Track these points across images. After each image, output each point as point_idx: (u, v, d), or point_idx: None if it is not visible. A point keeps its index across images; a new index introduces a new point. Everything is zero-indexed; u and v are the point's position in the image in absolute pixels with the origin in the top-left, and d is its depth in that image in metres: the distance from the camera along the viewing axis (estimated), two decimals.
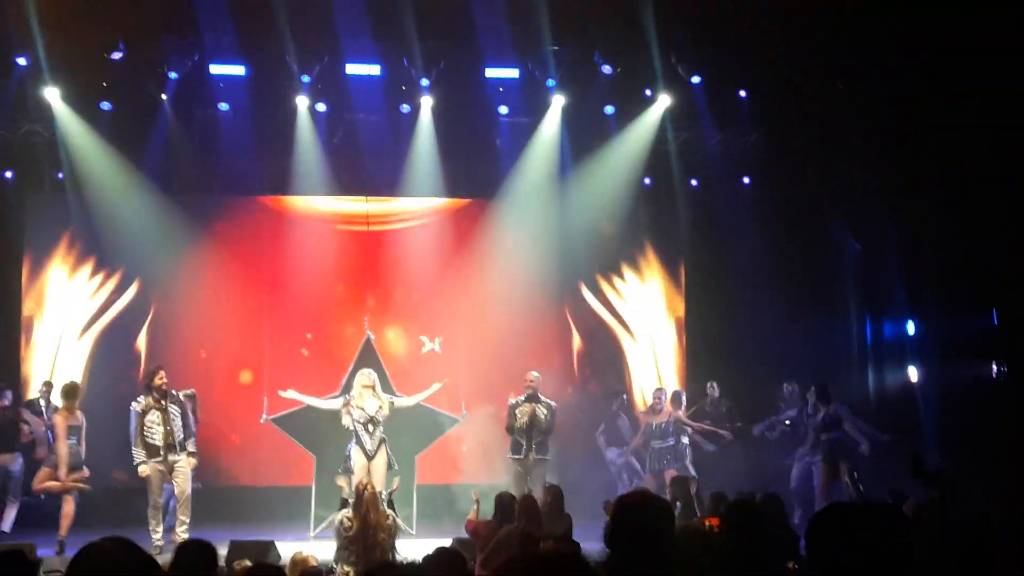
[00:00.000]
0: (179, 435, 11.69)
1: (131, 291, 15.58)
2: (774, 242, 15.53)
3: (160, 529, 11.56)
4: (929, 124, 13.41)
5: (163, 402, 11.68)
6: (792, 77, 14.46)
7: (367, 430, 12.08)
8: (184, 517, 11.63)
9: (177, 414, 11.73)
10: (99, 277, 15.49)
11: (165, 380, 11.74)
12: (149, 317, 15.60)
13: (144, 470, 11.61)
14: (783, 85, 14.74)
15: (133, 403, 11.93)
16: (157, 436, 11.50)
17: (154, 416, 11.57)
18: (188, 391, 12.32)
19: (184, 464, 11.73)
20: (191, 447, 11.86)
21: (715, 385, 15.19)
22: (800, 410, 14.11)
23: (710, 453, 14.57)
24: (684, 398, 14.54)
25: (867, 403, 15.21)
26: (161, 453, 11.51)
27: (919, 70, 13.14)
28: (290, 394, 12.78)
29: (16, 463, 12.85)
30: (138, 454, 11.61)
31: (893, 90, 13.65)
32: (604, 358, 16.35)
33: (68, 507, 11.89)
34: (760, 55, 14.30)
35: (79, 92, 14.82)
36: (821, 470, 13.18)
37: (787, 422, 14.44)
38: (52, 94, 14.68)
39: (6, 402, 12.89)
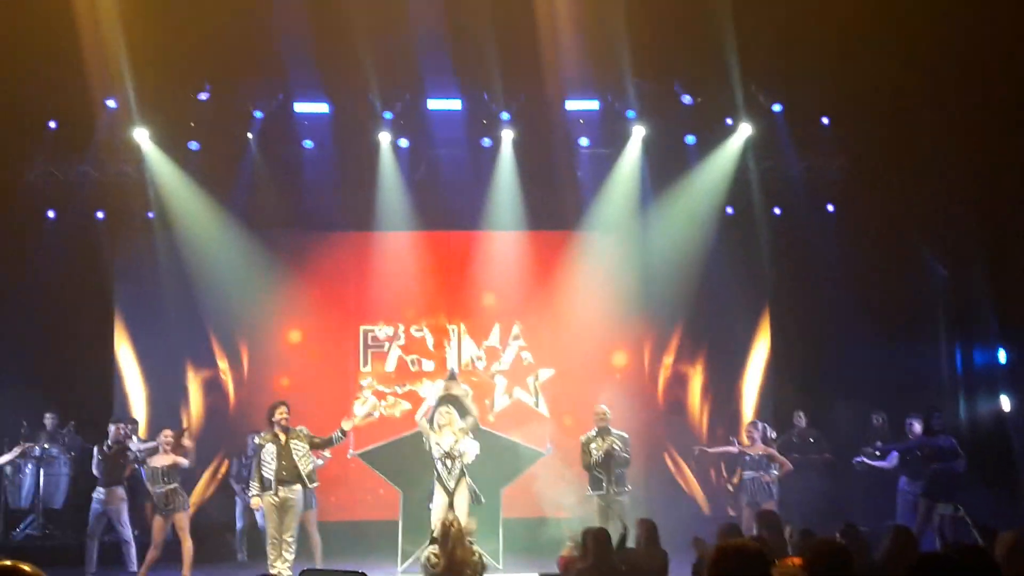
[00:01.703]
0: (302, 470, 11.69)
1: (217, 326, 15.83)
2: (860, 269, 15.34)
3: (278, 564, 11.54)
4: (1018, 147, 13.17)
5: (282, 438, 11.72)
6: (875, 102, 14.28)
7: (445, 466, 12.08)
8: (287, 554, 11.63)
9: (301, 450, 11.74)
10: (187, 314, 15.71)
11: (285, 416, 11.77)
12: (237, 352, 15.84)
13: (256, 502, 11.70)
14: (866, 110, 14.56)
15: (256, 437, 12.02)
16: (270, 470, 11.56)
17: (270, 450, 11.64)
18: (302, 429, 12.31)
19: (296, 500, 11.71)
20: (309, 482, 11.84)
21: (802, 415, 15.00)
22: (903, 440, 13.78)
23: (798, 485, 14.36)
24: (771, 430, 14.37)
25: (958, 433, 14.90)
26: (273, 487, 11.56)
27: (1006, 93, 12.93)
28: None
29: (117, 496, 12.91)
30: (253, 487, 11.69)
31: (980, 113, 13.44)
32: (688, 390, 16.21)
33: (186, 544, 12.16)
34: (842, 81, 14.15)
35: (167, 132, 15.16)
36: (921, 504, 12.91)
37: (877, 452, 14.13)
38: (141, 135, 15.03)
39: (121, 437, 12.96)
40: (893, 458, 13.70)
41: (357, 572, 2.80)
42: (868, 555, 8.67)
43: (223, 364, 15.89)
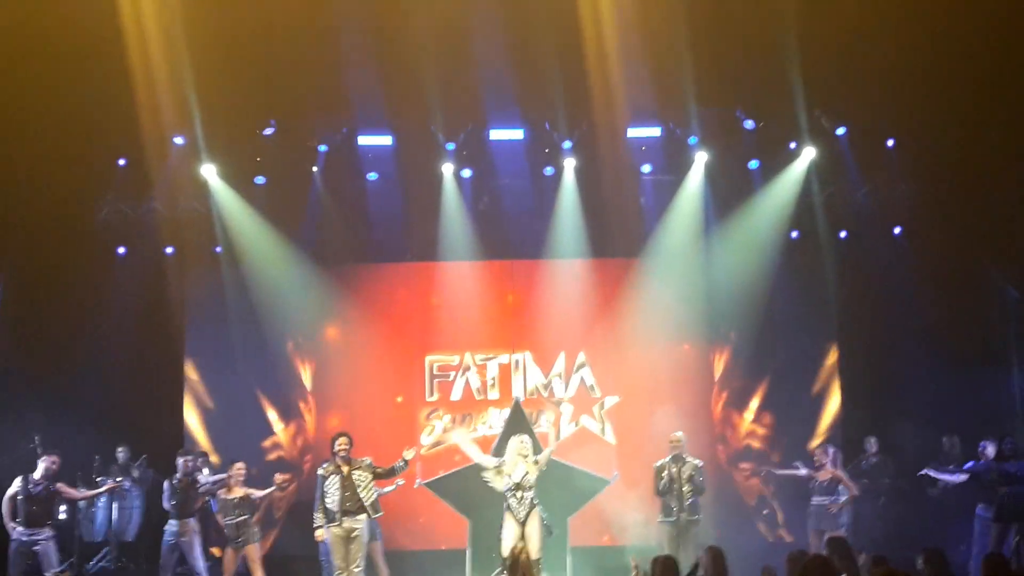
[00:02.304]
0: (366, 500, 11.72)
1: (285, 358, 15.99)
2: (929, 293, 15.14)
3: None
4: None
5: (344, 469, 11.77)
6: (941, 122, 14.14)
7: (515, 496, 12.02)
8: None
9: (364, 480, 11.79)
10: (257, 347, 15.87)
11: (346, 447, 11.80)
12: (304, 383, 15.99)
13: (320, 534, 11.72)
14: (932, 131, 14.42)
15: (319, 468, 12.12)
16: (334, 502, 11.61)
17: (333, 481, 11.69)
18: (366, 460, 12.31)
19: (361, 531, 11.73)
20: (373, 512, 11.85)
21: (873, 441, 14.82)
22: (977, 463, 13.55)
23: (869, 511, 14.18)
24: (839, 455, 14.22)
25: None
26: (337, 518, 11.59)
27: None
28: (465, 444, 12.80)
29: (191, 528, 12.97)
30: (317, 518, 11.74)
31: None
32: (755, 416, 16.07)
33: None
34: (906, 102, 14.03)
35: (234, 168, 15.41)
36: (993, 530, 12.69)
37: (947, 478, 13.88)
38: (209, 171, 15.27)
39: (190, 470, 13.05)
40: (960, 475, 13.46)
41: None
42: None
43: (290, 396, 16.00)
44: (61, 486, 12.36)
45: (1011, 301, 15.60)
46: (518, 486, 12.01)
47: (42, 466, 12.16)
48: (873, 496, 14.39)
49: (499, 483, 12.14)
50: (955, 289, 15.29)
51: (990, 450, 13.19)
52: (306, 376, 16.06)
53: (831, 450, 13.95)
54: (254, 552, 12.31)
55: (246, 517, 12.27)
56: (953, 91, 13.29)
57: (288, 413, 16.00)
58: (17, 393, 14.96)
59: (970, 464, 13.41)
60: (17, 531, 11.97)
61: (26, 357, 15.07)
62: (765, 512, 15.62)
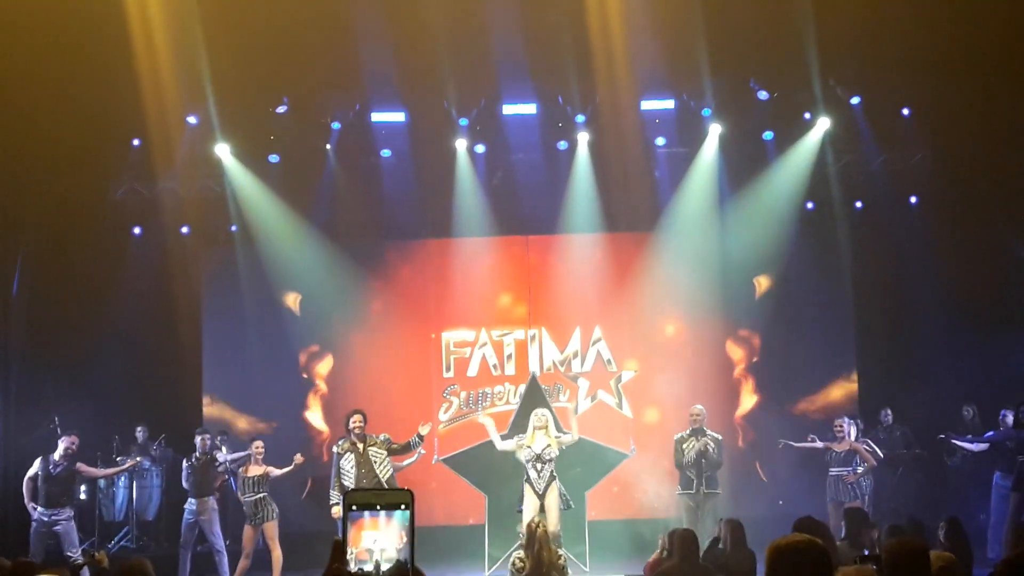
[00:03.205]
0: (382, 476, 11.78)
1: (300, 336, 16.05)
2: (947, 261, 15.06)
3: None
4: None
5: (359, 446, 11.82)
6: (956, 90, 14.03)
7: (535, 469, 12.05)
8: None
9: (380, 458, 11.83)
10: (273, 323, 15.93)
11: (360, 425, 11.86)
12: (319, 361, 16.03)
13: (336, 511, 11.75)
14: (947, 99, 14.32)
15: (334, 446, 12.16)
16: (350, 479, 11.66)
17: (349, 459, 11.74)
18: (381, 436, 12.37)
19: None
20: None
21: (889, 412, 14.81)
22: (997, 431, 13.51)
23: (887, 481, 14.17)
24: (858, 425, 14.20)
25: None
26: None
27: None
28: (486, 422, 12.82)
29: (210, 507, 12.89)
30: (333, 495, 11.80)
31: None
32: (773, 386, 16.04)
33: (276, 553, 12.36)
34: (921, 71, 13.93)
35: (248, 147, 15.41)
36: (1012, 499, 12.66)
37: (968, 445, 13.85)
38: (222, 150, 15.28)
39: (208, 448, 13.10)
40: (979, 443, 13.44)
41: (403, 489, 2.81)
42: (969, 551, 8.58)
43: (306, 373, 16.05)
44: (81, 466, 12.44)
45: None
46: (538, 458, 12.04)
47: (62, 446, 12.23)
48: (891, 467, 14.38)
49: (521, 454, 12.17)
50: (972, 257, 15.20)
51: (1009, 419, 13.17)
52: (322, 353, 16.08)
53: (848, 421, 13.93)
54: (272, 529, 12.36)
55: (264, 496, 12.33)
56: (968, 58, 13.18)
57: (303, 390, 16.03)
58: (35, 374, 15.07)
59: (990, 433, 13.39)
60: (38, 512, 12.05)
61: (44, 338, 15.17)
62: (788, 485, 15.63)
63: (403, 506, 3.04)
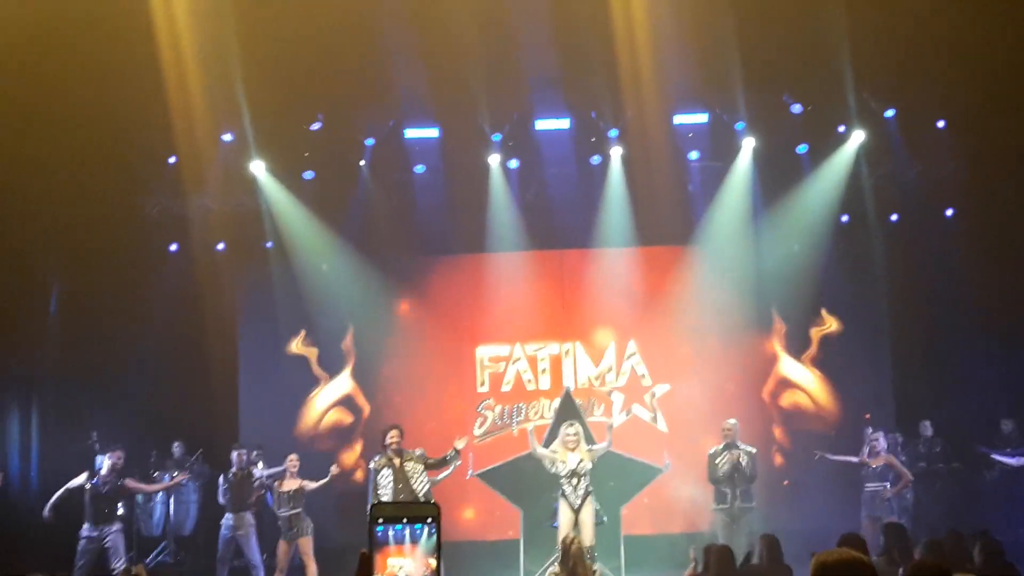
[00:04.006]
0: (419, 491, 11.78)
1: (336, 352, 16.11)
2: (983, 273, 14.95)
3: None
4: None
5: (396, 461, 11.85)
6: (990, 102, 13.94)
7: (571, 483, 12.05)
8: None
9: (416, 472, 11.86)
10: (309, 342, 16.03)
11: (396, 440, 11.87)
12: (355, 376, 16.11)
13: None
14: (981, 111, 14.23)
15: (371, 462, 12.19)
16: (387, 494, 11.67)
17: (386, 474, 11.76)
18: (418, 451, 12.38)
19: None
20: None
21: (928, 424, 14.70)
22: None
23: (926, 496, 14.06)
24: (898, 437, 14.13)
25: None
26: None
27: None
28: (527, 427, 12.81)
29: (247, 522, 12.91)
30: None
31: None
32: (808, 401, 15.97)
33: (311, 568, 12.39)
34: (955, 82, 13.85)
35: (282, 164, 15.50)
36: None
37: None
38: (257, 167, 15.38)
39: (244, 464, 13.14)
40: (1019, 457, 13.33)
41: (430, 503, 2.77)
42: (1006, 567, 8.47)
43: (342, 389, 16.10)
44: (129, 481, 12.49)
45: None
46: (573, 473, 12.03)
47: (108, 462, 12.27)
48: (929, 481, 14.26)
49: (557, 469, 12.17)
50: (1009, 269, 15.08)
51: None
52: (358, 369, 16.14)
53: (884, 436, 13.84)
54: (307, 545, 12.40)
55: (299, 511, 12.37)
56: (1002, 70, 13.10)
57: (340, 406, 16.08)
58: (71, 391, 15.18)
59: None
60: (86, 528, 12.04)
61: (81, 356, 15.26)
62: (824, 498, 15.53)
63: (430, 520, 3.03)
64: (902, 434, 14.58)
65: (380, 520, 3.00)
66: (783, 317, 16.00)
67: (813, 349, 16.14)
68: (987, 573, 8.09)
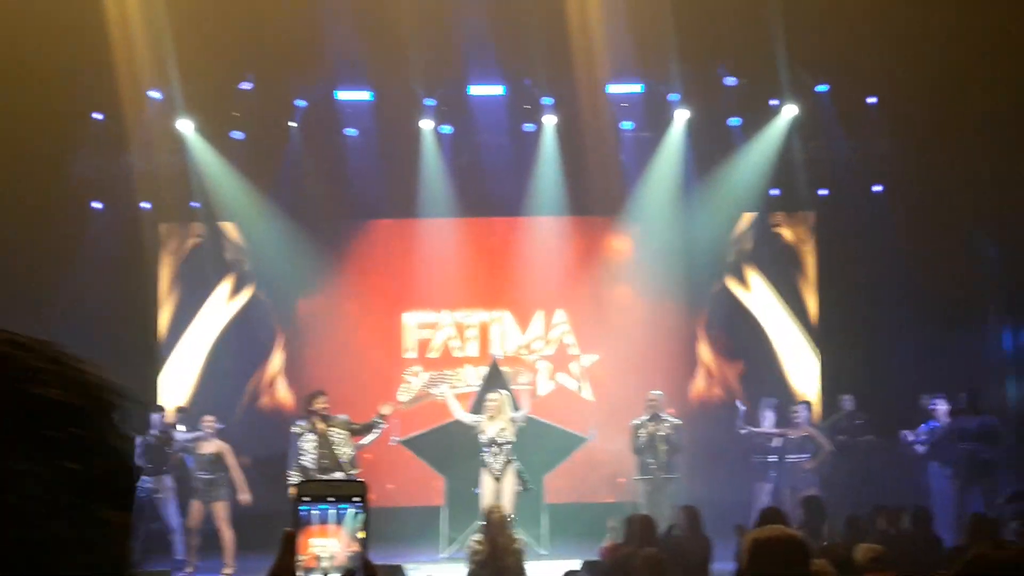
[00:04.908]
0: (343, 458, 11.66)
1: (263, 314, 15.96)
2: (910, 250, 15.12)
3: None
4: None
5: (320, 426, 11.71)
6: (922, 80, 14.04)
7: (492, 452, 12.06)
8: None
9: (342, 439, 11.72)
10: (234, 301, 15.86)
11: (325, 405, 11.74)
12: (280, 340, 15.95)
13: (295, 491, 11.61)
14: (913, 89, 14.32)
15: (293, 426, 12.06)
16: (310, 460, 11.55)
17: (310, 439, 11.62)
18: (341, 416, 12.26)
19: None
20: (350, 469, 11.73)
21: (850, 398, 14.85)
22: (946, 420, 13.56)
23: (845, 468, 14.21)
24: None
25: (1007, 415, 14.67)
26: (313, 476, 11.48)
27: None
28: (447, 394, 12.78)
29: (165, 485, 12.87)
30: (292, 476, 11.71)
31: None
32: (733, 374, 16.08)
33: (227, 534, 12.29)
34: (888, 59, 13.93)
35: (211, 123, 15.26)
36: (954, 487, 12.74)
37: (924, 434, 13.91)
38: (185, 126, 15.13)
39: (164, 426, 13.02)
40: (921, 446, 13.50)
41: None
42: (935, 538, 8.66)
43: (266, 351, 15.96)
44: None
45: (990, 259, 15.58)
46: (493, 441, 12.05)
47: None
48: (849, 454, 14.42)
49: (479, 437, 12.18)
50: (935, 246, 15.23)
51: (941, 407, 13.25)
52: (283, 331, 15.99)
53: (804, 407, 14.00)
54: (222, 510, 12.30)
55: (217, 476, 12.26)
56: (934, 48, 13.18)
57: (264, 368, 15.94)
58: None
59: (929, 426, 13.43)
60: None
61: (1, 314, 14.96)
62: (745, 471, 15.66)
63: (356, 498, 2.95)
64: (825, 408, 14.71)
65: (305, 499, 2.92)
66: (711, 289, 16.04)
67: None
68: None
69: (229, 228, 15.79)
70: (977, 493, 12.48)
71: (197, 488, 12.40)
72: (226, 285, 15.86)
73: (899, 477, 14.03)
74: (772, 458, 13.57)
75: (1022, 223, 14.42)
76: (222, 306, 15.96)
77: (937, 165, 15.00)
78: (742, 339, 16.15)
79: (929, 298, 15.01)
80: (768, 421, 13.79)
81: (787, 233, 16.39)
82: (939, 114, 14.37)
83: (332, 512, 2.94)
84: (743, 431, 14.10)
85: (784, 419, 14.02)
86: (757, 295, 16.20)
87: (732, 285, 16.17)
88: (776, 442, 13.64)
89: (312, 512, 3.02)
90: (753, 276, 16.20)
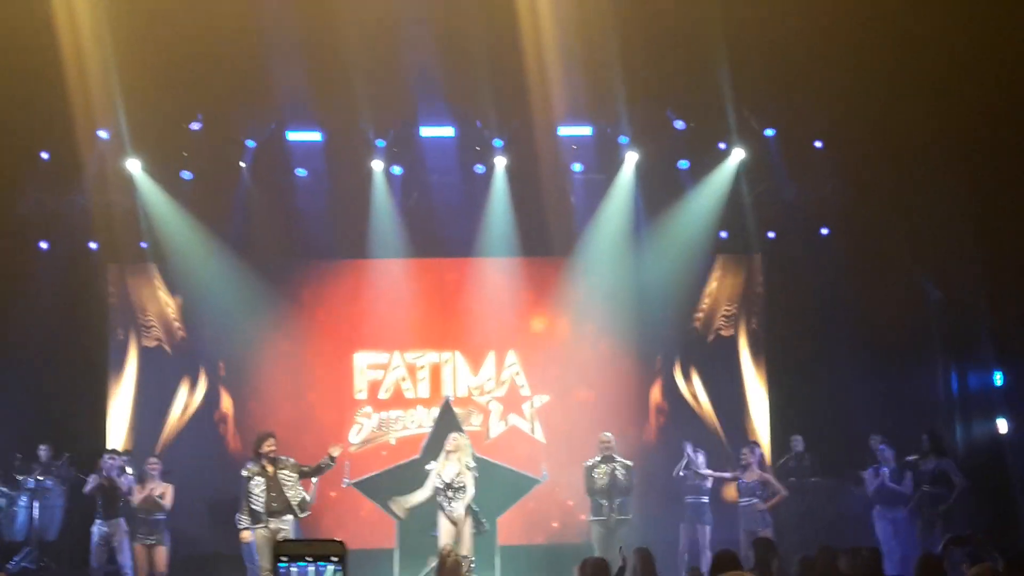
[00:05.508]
0: (293, 500, 11.54)
1: (210, 355, 15.82)
2: (855, 292, 15.30)
3: None
4: (1013, 167, 13.15)
5: (270, 469, 11.59)
6: (868, 124, 14.26)
7: (447, 496, 12.04)
8: None
9: (290, 480, 11.62)
10: (181, 343, 15.74)
11: (273, 448, 11.63)
12: (228, 381, 15.83)
13: (246, 535, 11.52)
14: (859, 133, 14.54)
15: (243, 469, 11.94)
16: (259, 503, 11.44)
17: (259, 482, 11.50)
18: (291, 460, 12.13)
19: (288, 532, 11.60)
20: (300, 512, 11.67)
21: (799, 439, 14.95)
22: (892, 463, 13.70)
23: (796, 509, 14.30)
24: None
25: (955, 456, 14.82)
26: (263, 519, 11.42)
27: (1004, 113, 12.91)
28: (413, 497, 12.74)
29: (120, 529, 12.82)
30: (242, 520, 11.56)
31: (976, 134, 13.40)
32: (685, 416, 16.12)
33: None
34: (834, 104, 14.14)
35: (160, 162, 15.18)
36: (917, 526, 12.85)
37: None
38: (133, 165, 15.05)
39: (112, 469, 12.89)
40: (907, 482, 13.61)
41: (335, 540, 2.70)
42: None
43: (214, 392, 15.80)
44: None
45: (935, 301, 15.79)
46: (448, 486, 12.01)
47: None
48: (799, 495, 14.50)
49: (432, 482, 12.15)
50: (881, 289, 15.41)
51: (888, 452, 13.41)
52: (230, 373, 15.83)
53: (757, 450, 14.08)
54: (161, 556, 12.21)
55: (159, 519, 12.15)
56: (878, 93, 13.43)
57: (212, 409, 15.78)
58: None
59: (884, 471, 13.55)
60: None
61: None
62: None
63: (335, 558, 2.94)
64: (773, 449, 14.79)
65: (284, 558, 2.90)
66: (661, 331, 16.09)
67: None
68: None
69: (178, 267, 15.60)
70: (937, 535, 12.59)
71: (140, 532, 12.28)
72: (174, 326, 15.68)
73: (848, 517, 14.14)
74: (704, 499, 13.66)
75: (966, 266, 14.66)
76: (171, 347, 15.79)
77: (881, 209, 15.24)
78: (692, 380, 16.21)
79: (875, 340, 15.20)
80: (701, 461, 13.86)
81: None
82: (883, 158, 14.62)
83: (311, 570, 2.93)
84: (682, 473, 14.12)
85: (717, 460, 14.17)
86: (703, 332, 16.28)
87: (683, 326, 16.18)
88: (709, 482, 13.74)
89: (291, 570, 3.00)
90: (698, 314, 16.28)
